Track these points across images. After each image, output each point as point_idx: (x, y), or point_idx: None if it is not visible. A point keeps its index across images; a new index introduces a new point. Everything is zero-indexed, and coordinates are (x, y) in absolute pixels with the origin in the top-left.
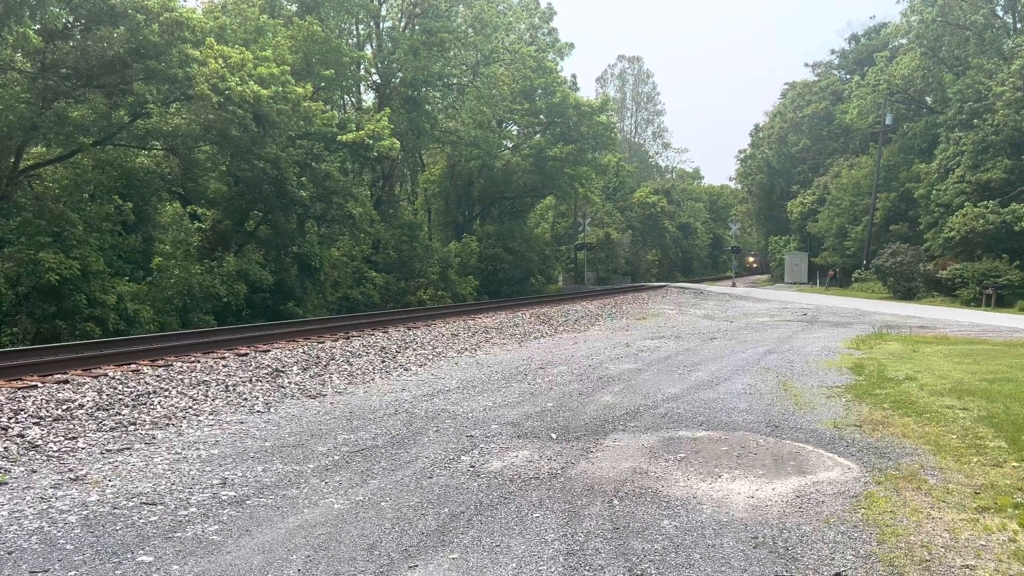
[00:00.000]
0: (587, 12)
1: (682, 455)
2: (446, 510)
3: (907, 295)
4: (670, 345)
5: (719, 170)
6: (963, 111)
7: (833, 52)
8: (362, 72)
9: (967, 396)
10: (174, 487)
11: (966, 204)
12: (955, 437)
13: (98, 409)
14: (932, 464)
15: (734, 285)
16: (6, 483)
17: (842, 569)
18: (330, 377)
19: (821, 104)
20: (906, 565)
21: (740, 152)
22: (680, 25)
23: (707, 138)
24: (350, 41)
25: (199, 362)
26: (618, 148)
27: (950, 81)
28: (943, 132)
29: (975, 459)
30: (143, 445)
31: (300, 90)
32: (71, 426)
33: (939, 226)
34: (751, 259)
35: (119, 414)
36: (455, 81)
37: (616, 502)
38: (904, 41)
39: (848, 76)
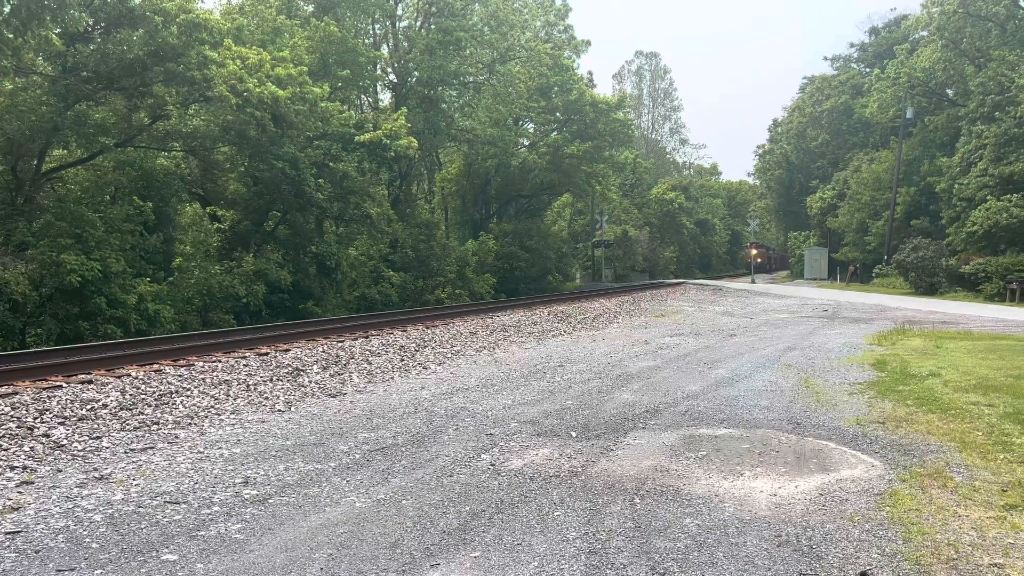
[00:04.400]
0: (603, 9)
1: (703, 453)
2: (467, 508)
3: (929, 290)
4: (689, 342)
5: (737, 166)
6: (985, 104)
7: (852, 45)
8: (379, 72)
9: (992, 392)
10: (197, 486)
11: (989, 198)
12: (981, 434)
13: (121, 409)
14: (958, 461)
15: (753, 281)
16: (32, 482)
17: (867, 568)
18: (350, 376)
19: (840, 98)
20: (933, 564)
21: (758, 147)
22: (697, 20)
23: (725, 133)
24: (366, 41)
25: (220, 362)
26: (635, 145)
27: (972, 73)
28: (965, 125)
29: (1001, 456)
30: (166, 444)
31: (317, 90)
32: (95, 426)
33: (961, 220)
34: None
35: (142, 414)
36: (471, 79)
37: (638, 500)
38: (925, 33)
39: (868, 69)
